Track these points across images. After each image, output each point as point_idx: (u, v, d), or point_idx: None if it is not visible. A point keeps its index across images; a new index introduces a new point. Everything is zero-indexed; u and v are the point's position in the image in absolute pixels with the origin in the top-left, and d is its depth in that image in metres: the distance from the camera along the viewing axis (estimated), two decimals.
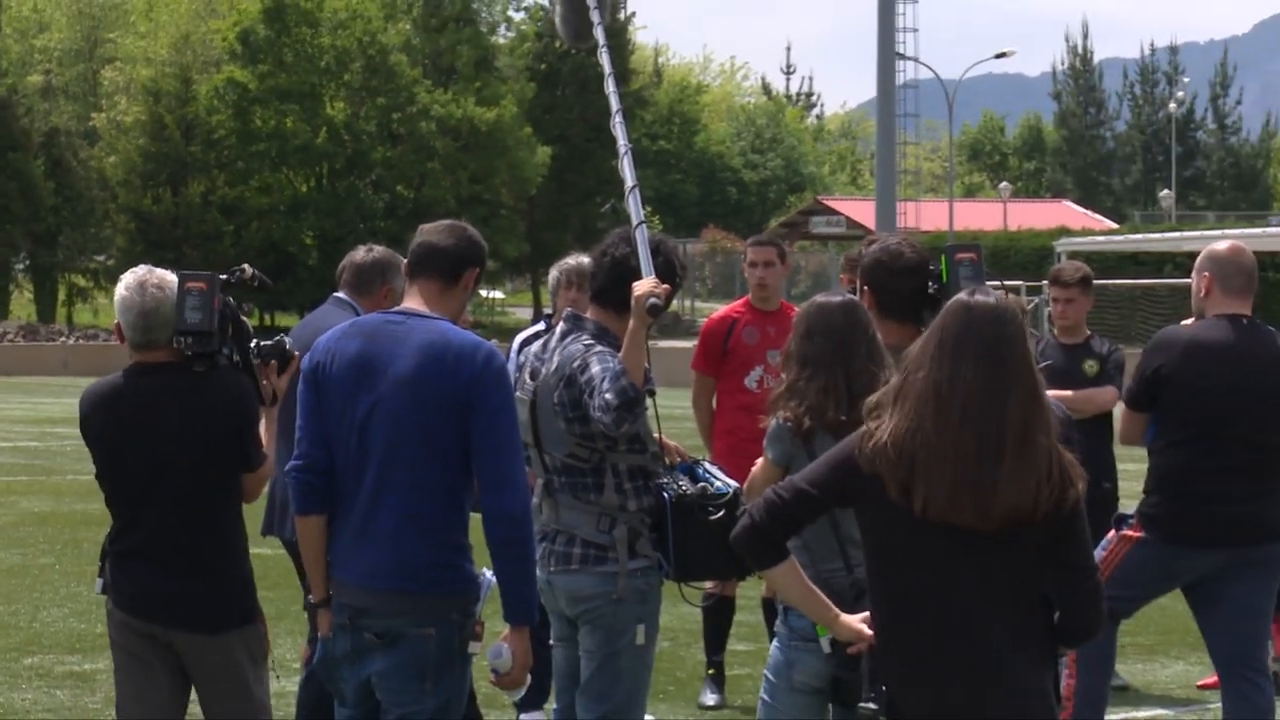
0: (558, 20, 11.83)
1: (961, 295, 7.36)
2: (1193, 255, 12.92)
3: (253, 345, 9.79)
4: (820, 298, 9.34)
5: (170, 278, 9.55)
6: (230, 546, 9.55)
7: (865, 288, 9.88)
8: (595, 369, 9.70)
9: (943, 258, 9.96)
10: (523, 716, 14.09)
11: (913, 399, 7.14)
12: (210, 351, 9.43)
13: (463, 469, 8.67)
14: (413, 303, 9.00)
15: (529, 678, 8.89)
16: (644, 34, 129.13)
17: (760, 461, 8.99)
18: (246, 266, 10.61)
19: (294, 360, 10.11)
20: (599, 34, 11.31)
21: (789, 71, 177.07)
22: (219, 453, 9.46)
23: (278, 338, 10.52)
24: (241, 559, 9.60)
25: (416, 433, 8.62)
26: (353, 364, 8.81)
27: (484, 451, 8.58)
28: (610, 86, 11.05)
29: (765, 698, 9.18)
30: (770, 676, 9.16)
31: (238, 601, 9.56)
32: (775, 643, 9.20)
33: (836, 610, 7.70)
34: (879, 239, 10.66)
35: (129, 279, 9.55)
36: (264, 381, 9.86)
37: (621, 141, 10.71)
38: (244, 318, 9.73)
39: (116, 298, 9.58)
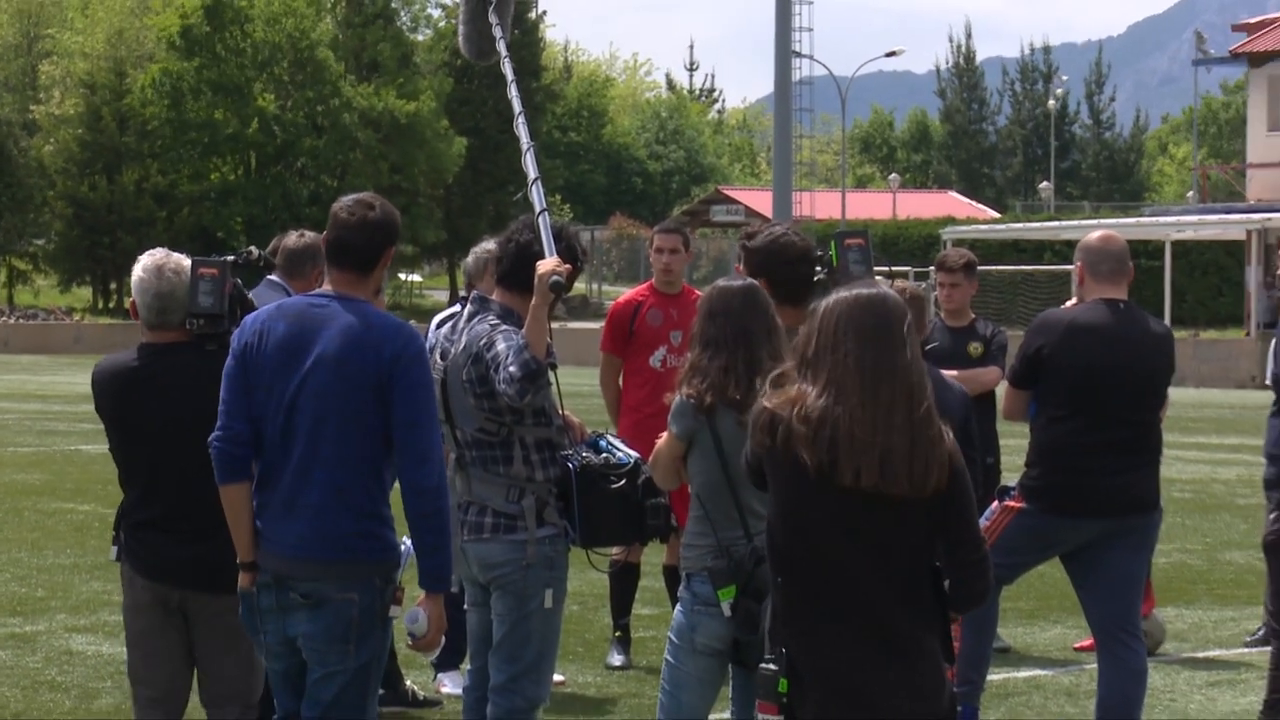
0: (461, 40, 11.93)
1: (856, 286, 7.43)
2: (1070, 243, 13.03)
3: None
4: (722, 282, 9.35)
5: (185, 263, 9.62)
6: None
7: (760, 273, 9.92)
8: (500, 346, 9.75)
9: (833, 243, 10.09)
10: (440, 676, 14.09)
11: (827, 379, 7.17)
12: (221, 332, 9.46)
13: (385, 443, 8.68)
14: (332, 287, 8.99)
15: (444, 640, 8.90)
16: (554, 32, 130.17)
17: (664, 435, 9.00)
18: (253, 249, 10.95)
19: None
20: (501, 47, 11.43)
21: (692, 68, 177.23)
22: None
23: None
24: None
25: (341, 410, 8.63)
26: (280, 345, 8.78)
27: (403, 427, 8.60)
28: (513, 92, 11.17)
29: (669, 659, 9.18)
30: (674, 639, 9.15)
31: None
32: (679, 607, 9.20)
33: None
34: (764, 229, 10.75)
35: (147, 262, 9.65)
36: None
37: (524, 140, 10.86)
38: (247, 297, 9.81)
39: (134, 279, 9.66)
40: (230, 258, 9.76)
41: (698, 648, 9.07)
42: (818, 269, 9.96)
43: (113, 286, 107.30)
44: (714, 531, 8.91)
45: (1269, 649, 12.31)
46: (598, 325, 15.67)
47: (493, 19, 11.47)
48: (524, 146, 10.83)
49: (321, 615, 8.62)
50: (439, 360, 10.21)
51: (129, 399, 9.62)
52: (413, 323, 10.21)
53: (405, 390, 8.56)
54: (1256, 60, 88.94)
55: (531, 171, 10.63)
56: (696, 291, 13.83)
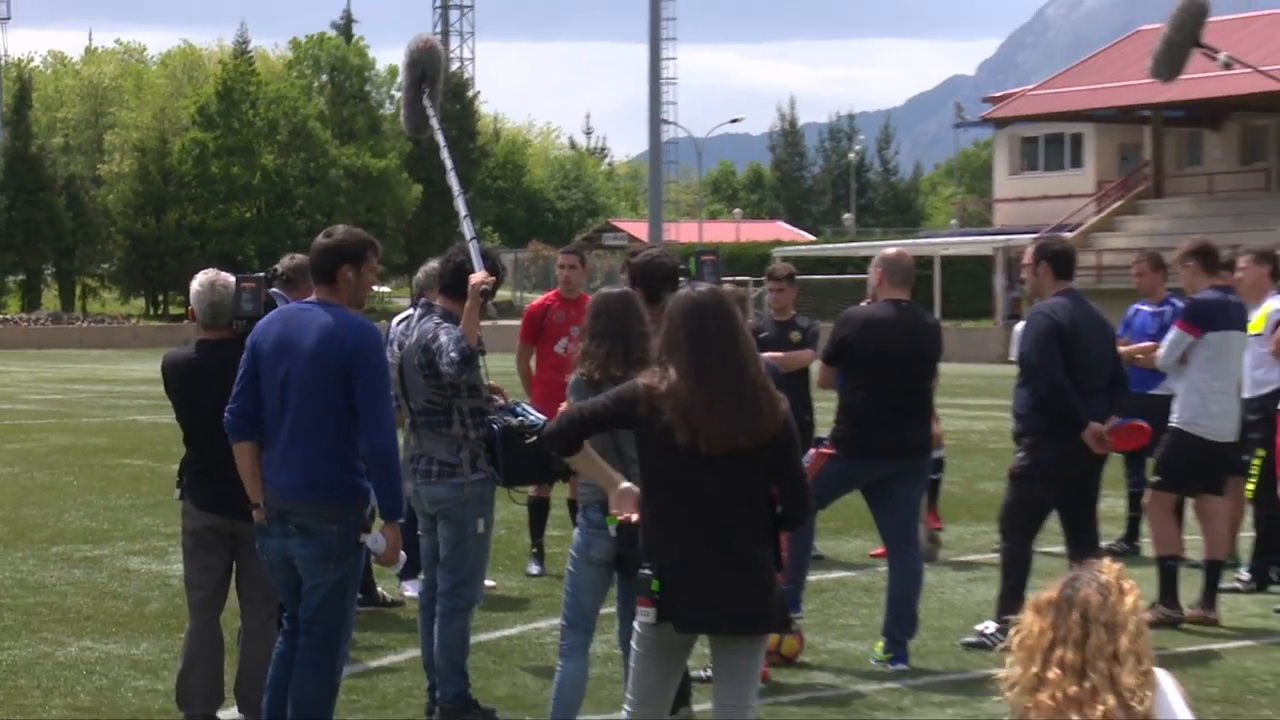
0: (403, 119, 12.02)
1: (689, 290, 7.51)
2: (866, 258, 13.01)
3: None
4: (605, 289, 9.39)
5: (230, 278, 9.79)
6: None
7: (636, 283, 10.00)
8: (443, 338, 9.94)
9: (692, 259, 10.38)
10: (402, 583, 14.07)
11: (683, 364, 7.16)
12: None
13: (352, 414, 8.72)
14: (315, 296, 9.04)
15: (403, 557, 8.88)
16: (486, 106, 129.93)
17: (565, 404, 8.97)
18: (278, 266, 11.43)
19: None
20: (434, 122, 11.49)
21: (588, 132, 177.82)
22: None
23: None
24: None
25: (318, 389, 8.67)
26: (276, 340, 8.86)
27: (363, 401, 8.63)
28: (444, 154, 11.29)
29: (570, 568, 9.15)
30: (573, 553, 9.12)
31: None
32: (577, 530, 9.17)
33: (618, 479, 7.74)
34: (643, 251, 10.82)
35: (202, 278, 9.83)
36: None
37: (455, 188, 11.04)
38: (277, 304, 9.86)
39: (193, 291, 9.80)
40: (263, 274, 10.02)
41: (591, 559, 9.04)
42: (680, 279, 10.05)
43: (160, 298, 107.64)
44: None
45: (1010, 551, 12.32)
46: (518, 322, 15.67)
47: (426, 102, 11.54)
48: (455, 193, 10.98)
49: (311, 542, 8.68)
50: (396, 350, 10.39)
51: (191, 381, 9.76)
52: (382, 322, 10.30)
53: (364, 374, 8.61)
54: (1000, 124, 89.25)
55: (462, 210, 10.84)
56: (589, 297, 14.01)
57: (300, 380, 8.71)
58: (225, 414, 8.95)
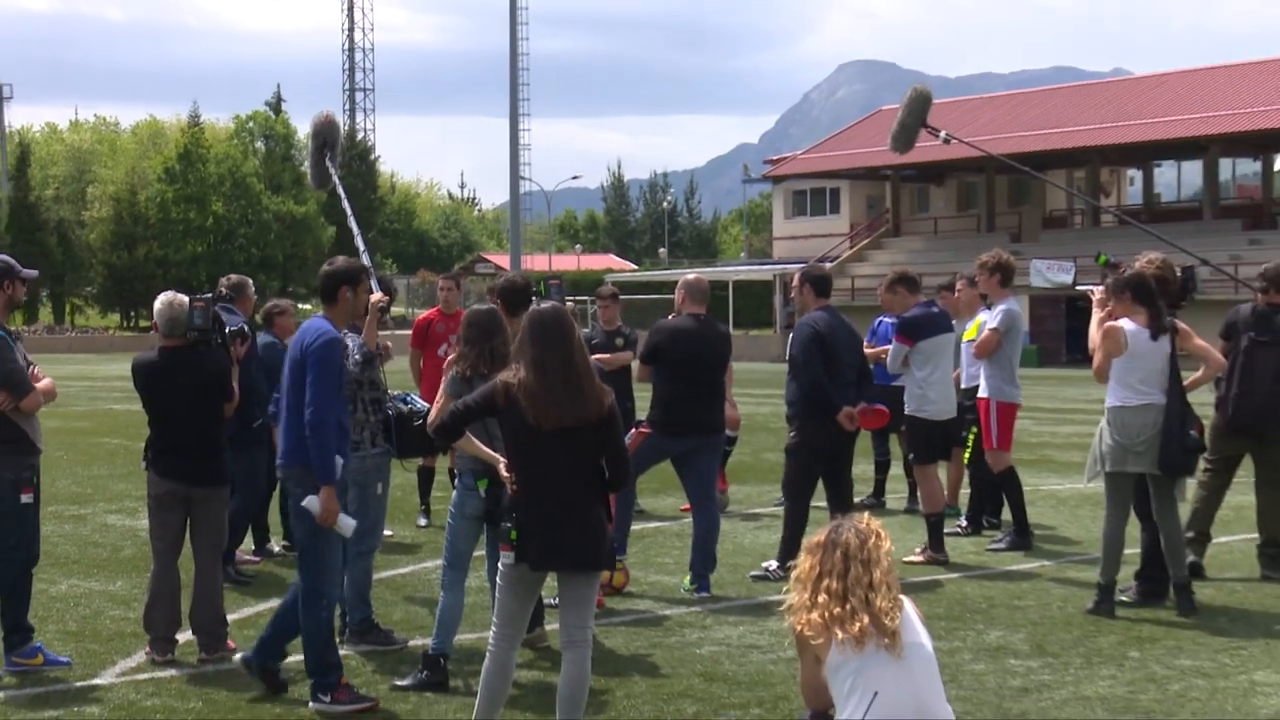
0: (309, 176, 11.92)
1: (537, 307, 7.49)
2: (674, 283, 13.03)
3: (226, 332, 10.03)
4: (476, 307, 9.33)
5: (184, 298, 9.66)
6: (218, 438, 9.64)
7: (499, 301, 9.97)
8: (349, 344, 9.67)
9: (542, 283, 10.35)
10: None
11: (528, 362, 7.15)
12: (207, 340, 9.56)
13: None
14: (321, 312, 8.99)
15: (338, 515, 8.69)
16: (384, 166, 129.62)
17: (439, 400, 8.90)
18: (221, 287, 12.04)
19: (247, 339, 11.13)
20: (335, 177, 11.41)
21: (463, 185, 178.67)
22: (210, 391, 9.60)
23: (237, 326, 11.03)
24: (224, 446, 9.69)
25: (294, 383, 8.55)
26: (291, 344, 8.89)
27: (309, 391, 8.46)
28: (345, 203, 11.25)
29: (450, 521, 9.09)
30: (452, 509, 9.07)
31: (223, 469, 9.70)
32: (455, 491, 9.12)
33: (497, 458, 7.69)
34: (504, 276, 10.86)
35: (163, 298, 9.71)
36: (233, 350, 10.26)
37: (355, 230, 11.06)
38: (222, 318, 9.94)
39: (155, 308, 9.70)
40: (209, 294, 9.98)
41: (466, 514, 8.99)
42: (533, 298, 10.05)
43: (131, 314, 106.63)
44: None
45: (790, 507, 12.39)
46: (409, 332, 15.58)
47: (328, 163, 11.46)
48: (355, 233, 10.96)
49: (294, 498, 8.58)
50: None
51: (154, 378, 9.59)
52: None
53: (311, 365, 8.46)
54: (778, 180, 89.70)
55: (361, 245, 10.81)
56: (463, 312, 14.01)
57: (288, 374, 8.64)
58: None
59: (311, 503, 8.39)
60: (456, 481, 9.15)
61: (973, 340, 14.17)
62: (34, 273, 9.75)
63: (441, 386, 9.01)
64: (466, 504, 9.01)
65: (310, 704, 8.43)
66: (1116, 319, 10.86)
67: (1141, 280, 10.93)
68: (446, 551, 9.14)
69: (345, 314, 8.93)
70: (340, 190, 11.30)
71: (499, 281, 10.58)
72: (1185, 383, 11.08)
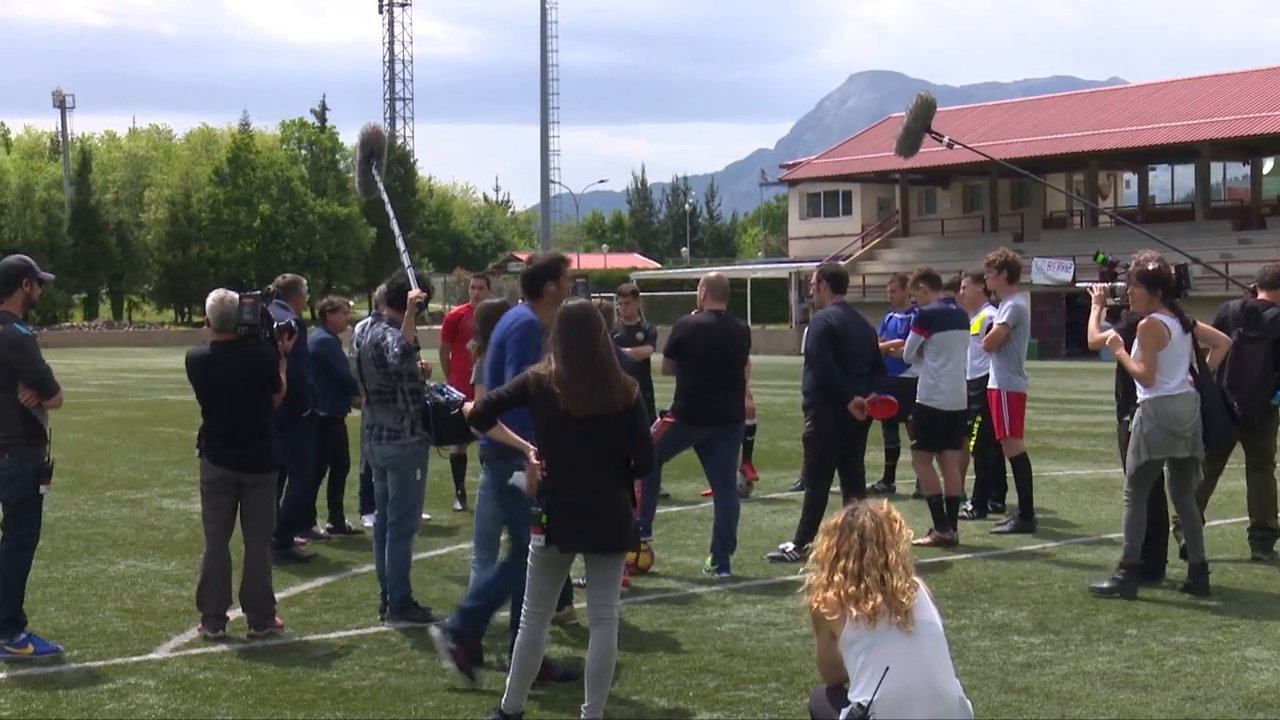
0: (356, 184, 11.87)
1: (568, 302, 7.46)
2: (697, 280, 12.98)
3: (274, 327, 10.07)
4: (486, 301, 9.57)
5: (234, 295, 9.65)
6: (267, 427, 9.64)
7: (523, 290, 9.98)
8: (389, 338, 9.82)
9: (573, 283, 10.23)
10: (363, 517, 13.96)
11: (558, 354, 7.14)
12: (255, 334, 9.59)
13: None
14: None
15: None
16: (423, 171, 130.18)
17: (477, 390, 8.89)
18: (271, 285, 11.80)
19: (295, 333, 11.15)
20: (379, 185, 11.30)
21: (497, 189, 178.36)
22: (259, 383, 9.57)
23: (285, 321, 11.14)
24: (272, 434, 9.67)
25: (495, 363, 8.57)
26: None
27: (509, 370, 8.32)
28: (388, 208, 11.14)
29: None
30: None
31: (271, 456, 9.67)
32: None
33: (527, 445, 7.65)
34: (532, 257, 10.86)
35: (214, 295, 9.70)
36: (281, 344, 10.31)
37: (397, 232, 10.86)
38: (270, 314, 10.00)
39: (207, 305, 9.67)
40: (259, 291, 9.94)
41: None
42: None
43: (185, 310, 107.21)
44: None
45: (808, 493, 12.35)
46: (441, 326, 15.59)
47: (374, 171, 11.42)
48: (396, 234, 10.84)
49: (496, 474, 8.59)
50: (355, 347, 10.30)
51: (206, 371, 9.58)
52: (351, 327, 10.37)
53: (510, 345, 8.47)
54: (793, 184, 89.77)
55: (402, 246, 10.64)
56: None
57: (490, 355, 8.59)
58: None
59: (519, 479, 8.40)
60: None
61: (978, 334, 14.15)
62: (50, 276, 9.62)
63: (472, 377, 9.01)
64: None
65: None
66: (1143, 315, 10.75)
67: (1168, 277, 10.86)
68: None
69: (550, 305, 8.56)
70: (385, 198, 11.27)
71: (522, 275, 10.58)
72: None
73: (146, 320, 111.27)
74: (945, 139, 13.95)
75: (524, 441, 7.89)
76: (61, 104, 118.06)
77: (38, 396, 9.09)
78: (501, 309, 9.11)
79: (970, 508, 14.62)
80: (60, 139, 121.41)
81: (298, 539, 12.98)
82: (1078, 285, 12.57)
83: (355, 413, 12.73)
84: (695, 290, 12.57)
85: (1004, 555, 12.54)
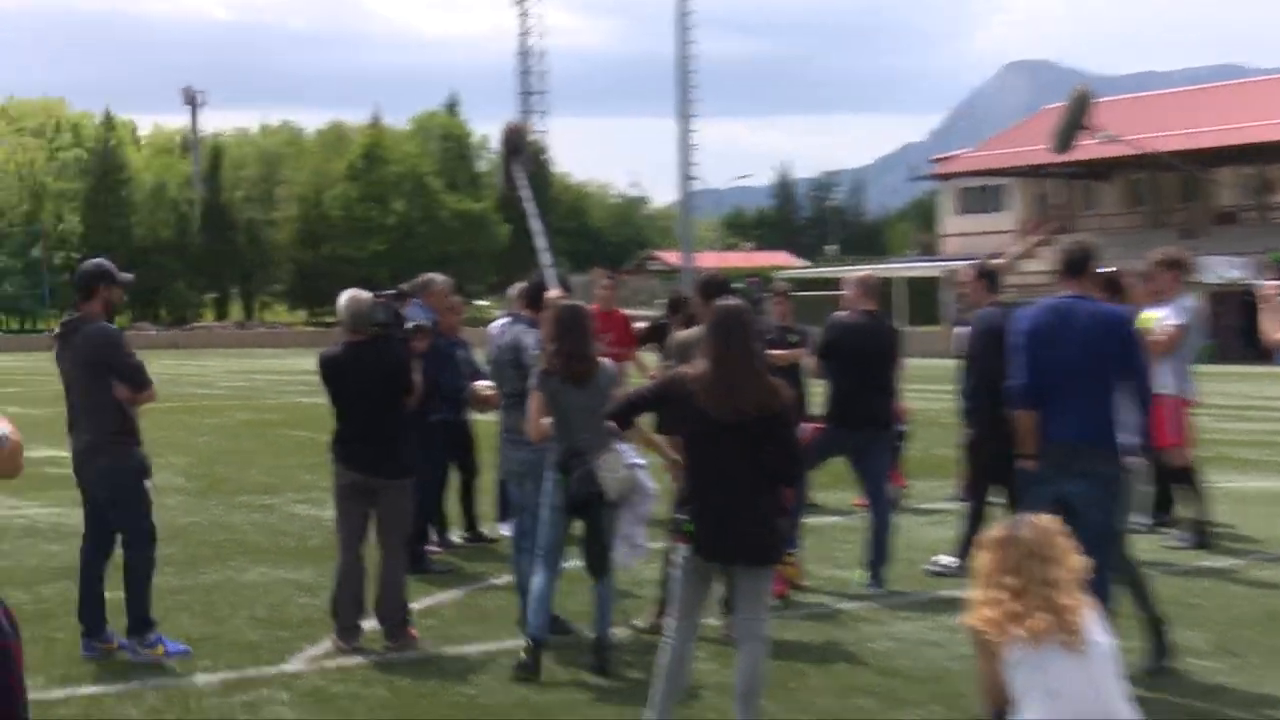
0: (500, 178, 12.13)
1: (721, 301, 7.45)
2: (843, 279, 12.90)
3: (407, 327, 10.34)
4: (560, 302, 9.49)
5: (366, 294, 9.77)
6: (404, 431, 9.68)
7: (699, 293, 10.11)
8: (528, 339, 9.86)
9: (745, 283, 10.30)
10: (500, 525, 13.94)
11: (707, 354, 7.14)
12: (388, 334, 9.70)
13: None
14: (1069, 292, 8.73)
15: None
16: (557, 164, 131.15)
17: (533, 394, 9.08)
18: (403, 286, 12.06)
19: (428, 333, 11.21)
20: (522, 182, 11.38)
21: (634, 185, 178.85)
22: (393, 383, 9.63)
23: (418, 322, 11.26)
24: (405, 438, 9.70)
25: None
26: (1048, 328, 8.65)
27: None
28: (530, 208, 11.23)
29: (540, 514, 9.16)
30: (540, 501, 9.16)
31: (404, 461, 9.68)
32: (543, 483, 9.15)
33: (670, 452, 7.65)
34: (707, 273, 10.97)
35: (347, 294, 9.79)
36: (414, 345, 10.48)
37: (538, 231, 10.96)
38: (401, 314, 10.22)
39: (339, 304, 9.75)
40: (392, 291, 10.30)
41: (554, 505, 9.03)
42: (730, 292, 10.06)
43: (317, 310, 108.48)
44: (560, 441, 8.99)
45: (968, 504, 12.20)
46: None
47: (516, 170, 11.50)
48: (536, 232, 10.90)
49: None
50: (494, 349, 10.28)
51: (340, 371, 9.65)
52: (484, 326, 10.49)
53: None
54: (944, 179, 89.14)
55: (542, 245, 10.75)
56: (619, 311, 15.68)
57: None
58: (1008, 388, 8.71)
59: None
60: (545, 475, 9.17)
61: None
62: (130, 278, 9.62)
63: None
64: (552, 494, 9.02)
65: None
66: None
67: None
68: (539, 541, 9.17)
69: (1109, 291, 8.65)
70: (527, 195, 11.34)
71: (701, 277, 10.67)
72: None
73: (277, 320, 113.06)
74: (1100, 134, 13.70)
75: (670, 450, 7.87)
76: (192, 100, 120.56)
77: (131, 391, 9.21)
78: (573, 313, 9.17)
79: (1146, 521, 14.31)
80: (191, 136, 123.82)
81: (432, 547, 12.99)
82: (1249, 284, 12.29)
83: (476, 415, 12.94)
84: (841, 290, 12.48)
85: (1179, 572, 12.27)
